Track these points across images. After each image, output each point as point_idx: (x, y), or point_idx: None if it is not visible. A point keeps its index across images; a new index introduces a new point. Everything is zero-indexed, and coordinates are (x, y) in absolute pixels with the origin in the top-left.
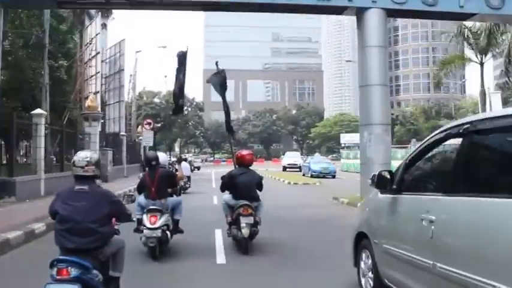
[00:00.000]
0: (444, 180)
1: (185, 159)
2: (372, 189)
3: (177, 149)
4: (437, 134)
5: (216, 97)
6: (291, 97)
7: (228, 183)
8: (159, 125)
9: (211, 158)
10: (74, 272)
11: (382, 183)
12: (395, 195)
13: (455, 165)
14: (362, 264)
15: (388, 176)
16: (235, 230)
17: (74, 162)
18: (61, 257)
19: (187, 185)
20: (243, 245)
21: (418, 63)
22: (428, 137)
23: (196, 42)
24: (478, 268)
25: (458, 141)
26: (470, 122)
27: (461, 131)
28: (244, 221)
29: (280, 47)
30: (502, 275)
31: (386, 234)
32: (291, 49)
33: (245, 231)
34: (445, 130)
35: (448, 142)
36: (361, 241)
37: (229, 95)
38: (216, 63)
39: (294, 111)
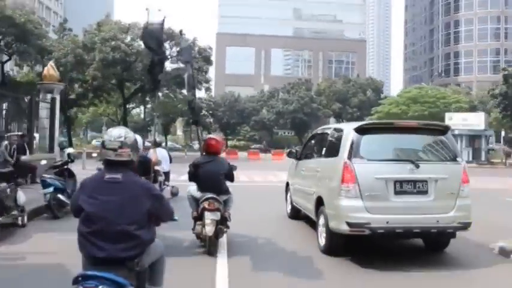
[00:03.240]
0: (311, 152)
1: (160, 144)
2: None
3: (179, 132)
4: (315, 132)
5: (232, 69)
6: (325, 71)
7: (192, 173)
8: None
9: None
10: None
11: (292, 155)
12: (298, 161)
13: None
14: (288, 198)
15: (295, 151)
16: (200, 226)
17: (103, 143)
18: (88, 273)
19: (164, 185)
20: (206, 245)
21: (486, 36)
22: (312, 133)
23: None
24: (312, 186)
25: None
26: (320, 130)
27: (318, 132)
28: (209, 217)
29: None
30: (318, 187)
31: (293, 180)
32: (320, 16)
33: (209, 229)
34: (318, 131)
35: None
36: (287, 187)
37: (249, 67)
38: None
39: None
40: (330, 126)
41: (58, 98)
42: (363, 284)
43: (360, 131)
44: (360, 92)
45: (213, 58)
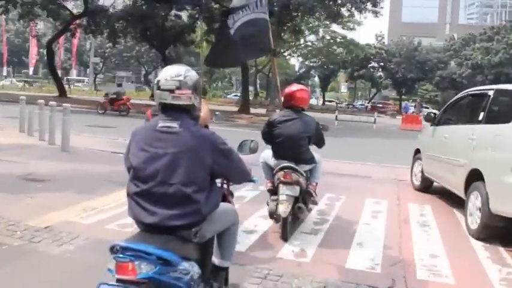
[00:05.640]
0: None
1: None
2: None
3: (343, 89)
4: (463, 95)
5: (409, 17)
6: None
7: (267, 133)
8: None
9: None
10: (144, 269)
11: (429, 119)
12: (436, 126)
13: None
14: (416, 167)
15: (433, 116)
16: (274, 203)
17: (158, 82)
18: (121, 243)
19: None
20: (281, 228)
21: None
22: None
23: None
24: (461, 156)
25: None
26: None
27: (465, 95)
28: (284, 192)
29: None
30: (473, 158)
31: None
32: None
33: (283, 208)
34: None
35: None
36: (415, 155)
37: (431, 14)
38: None
39: None
40: (489, 87)
41: None
42: None
43: None
44: None
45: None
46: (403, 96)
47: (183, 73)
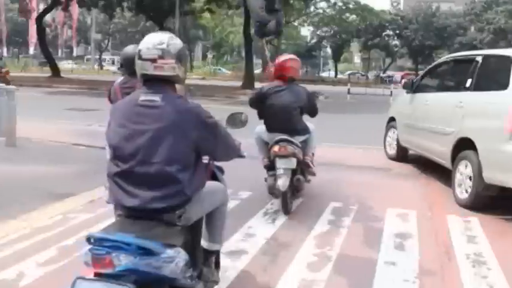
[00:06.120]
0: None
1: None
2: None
3: (356, 60)
4: (444, 60)
5: None
6: None
7: (257, 106)
8: None
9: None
10: (123, 260)
11: (407, 86)
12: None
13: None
14: (390, 136)
15: (412, 82)
16: (272, 178)
17: (139, 52)
18: (101, 235)
19: None
20: (282, 203)
21: None
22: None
23: None
24: (448, 124)
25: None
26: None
27: (447, 60)
28: (281, 166)
29: None
30: (463, 126)
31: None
32: None
33: (282, 182)
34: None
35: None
36: (389, 123)
37: None
38: None
39: None
40: (476, 53)
41: None
42: None
43: None
44: None
45: None
46: (419, 66)
47: (166, 41)
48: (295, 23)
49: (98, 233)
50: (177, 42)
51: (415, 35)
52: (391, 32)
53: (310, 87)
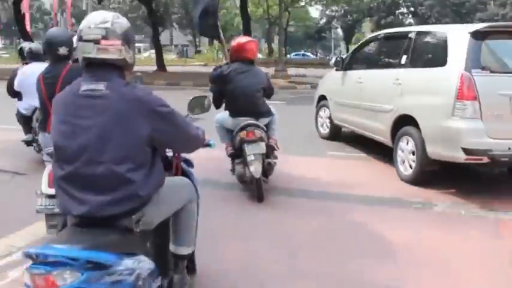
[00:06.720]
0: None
1: None
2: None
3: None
4: (374, 36)
5: None
6: None
7: (218, 91)
8: None
9: None
10: (68, 279)
11: (337, 63)
12: (345, 71)
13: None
14: (322, 116)
15: (341, 60)
16: (240, 166)
17: (80, 32)
18: (41, 250)
19: None
20: (255, 190)
21: None
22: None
23: None
24: (386, 101)
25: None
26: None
27: (378, 37)
28: (251, 152)
29: None
30: (402, 103)
31: (337, 93)
32: None
33: (254, 168)
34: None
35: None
36: (319, 102)
37: None
38: None
39: None
40: (408, 29)
41: None
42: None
43: (477, 35)
44: None
45: None
46: None
47: (110, 19)
48: (302, 2)
49: (37, 248)
50: (123, 22)
51: (431, 12)
52: (405, 10)
53: (320, 72)
